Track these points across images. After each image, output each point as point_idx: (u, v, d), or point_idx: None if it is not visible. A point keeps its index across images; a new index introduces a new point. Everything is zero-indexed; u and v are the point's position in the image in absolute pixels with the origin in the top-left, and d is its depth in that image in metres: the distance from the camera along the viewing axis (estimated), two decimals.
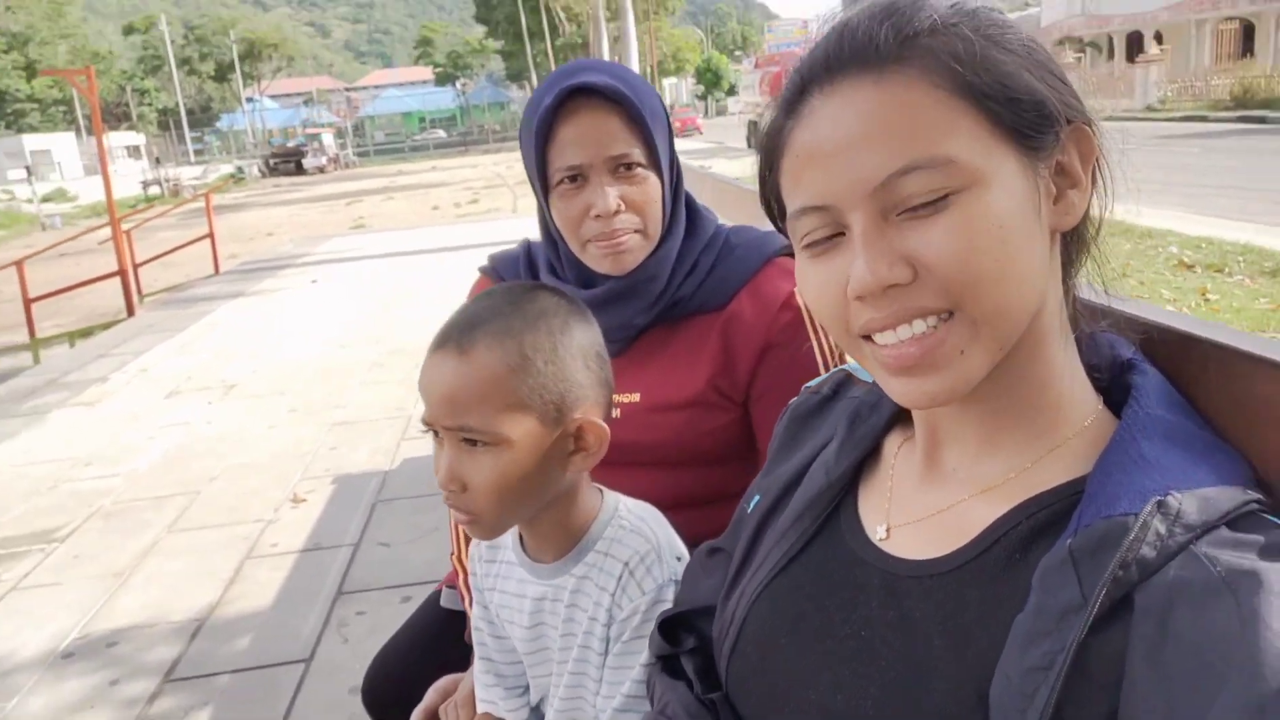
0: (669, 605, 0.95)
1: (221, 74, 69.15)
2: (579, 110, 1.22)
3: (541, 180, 1.26)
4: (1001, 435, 0.68)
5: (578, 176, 1.24)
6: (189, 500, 3.97)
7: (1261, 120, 19.00)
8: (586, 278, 1.34)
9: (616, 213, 1.23)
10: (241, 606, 3.03)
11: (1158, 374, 0.68)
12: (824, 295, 0.65)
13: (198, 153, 59.87)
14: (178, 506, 3.91)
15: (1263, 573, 0.50)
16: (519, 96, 66.38)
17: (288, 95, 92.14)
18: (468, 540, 1.41)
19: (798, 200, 0.65)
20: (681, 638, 0.88)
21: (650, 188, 1.27)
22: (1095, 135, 0.64)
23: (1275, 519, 0.55)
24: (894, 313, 0.61)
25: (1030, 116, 0.60)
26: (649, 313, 1.31)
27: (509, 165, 30.46)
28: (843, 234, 0.63)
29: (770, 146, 0.68)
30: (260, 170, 42.63)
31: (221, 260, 11.59)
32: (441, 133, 72.61)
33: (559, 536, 1.05)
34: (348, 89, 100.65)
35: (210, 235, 11.48)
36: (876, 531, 0.73)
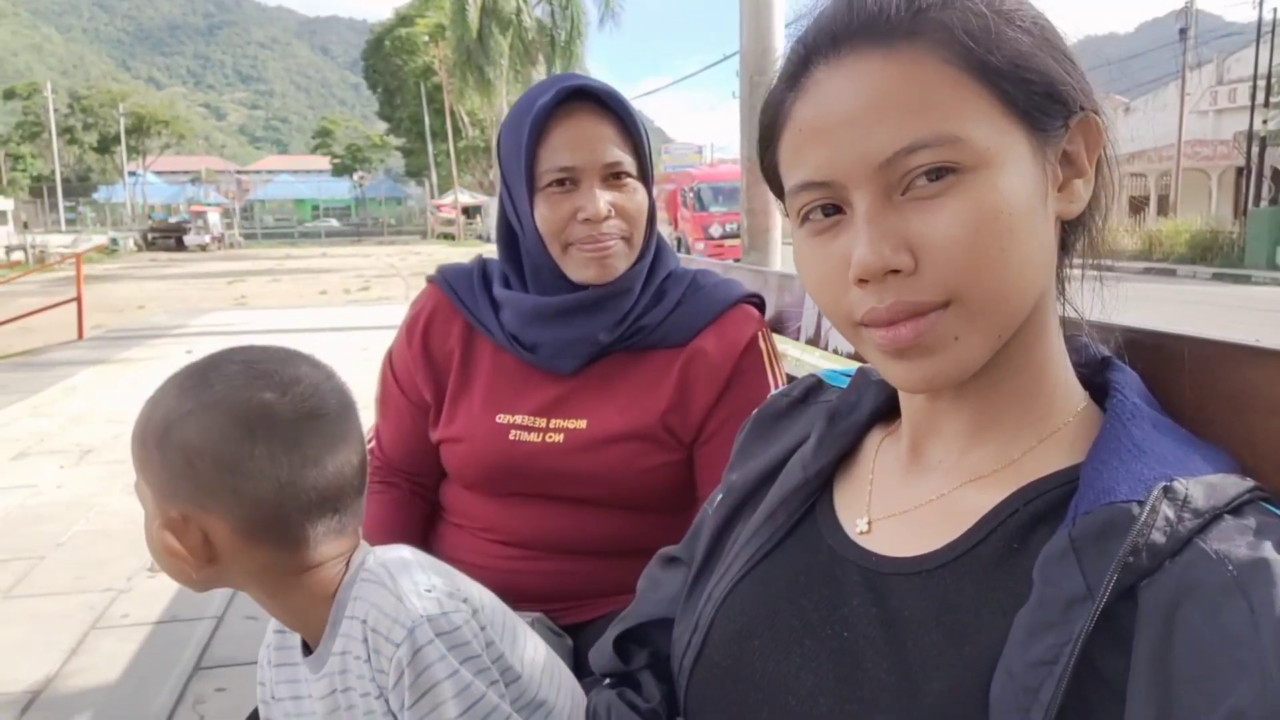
0: (445, 641, 0.83)
1: (105, 146, 66.59)
2: (575, 114, 1.21)
3: (527, 181, 1.23)
4: (995, 424, 0.65)
5: (567, 180, 1.21)
6: (29, 566, 3.58)
7: None
8: (551, 286, 1.29)
9: (606, 218, 1.21)
10: (83, 680, 2.71)
11: (1133, 372, 0.67)
12: (825, 278, 0.62)
13: (70, 222, 56.74)
14: (15, 572, 3.52)
15: (1276, 569, 0.47)
16: (416, 193, 66.42)
17: (173, 172, 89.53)
18: None
19: (798, 175, 0.62)
20: (633, 653, 0.82)
21: (640, 198, 1.26)
22: (1102, 124, 0.62)
23: (1275, 508, 0.54)
24: (891, 307, 0.58)
25: (1041, 99, 0.58)
26: (614, 330, 1.27)
27: (403, 257, 30.18)
28: (843, 213, 0.61)
29: (770, 119, 0.65)
30: (136, 244, 40.73)
31: (87, 330, 10.91)
32: (335, 222, 71.24)
33: (308, 618, 0.90)
34: (239, 171, 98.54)
35: (78, 299, 10.82)
36: (856, 525, 0.69)
